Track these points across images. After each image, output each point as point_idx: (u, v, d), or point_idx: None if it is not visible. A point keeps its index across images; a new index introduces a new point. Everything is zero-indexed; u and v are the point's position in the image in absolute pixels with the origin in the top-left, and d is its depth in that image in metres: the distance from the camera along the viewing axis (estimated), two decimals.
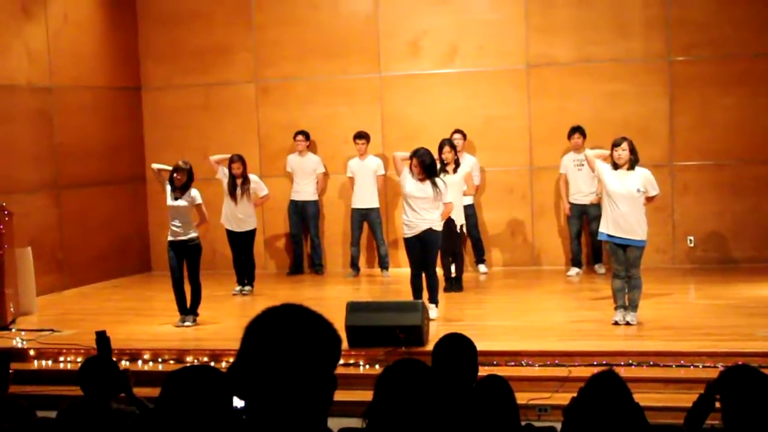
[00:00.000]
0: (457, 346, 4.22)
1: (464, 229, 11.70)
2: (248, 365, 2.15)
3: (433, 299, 9.92)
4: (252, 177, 12.10)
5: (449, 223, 11.16)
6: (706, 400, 4.48)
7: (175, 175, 10.25)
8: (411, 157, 9.81)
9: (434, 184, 9.71)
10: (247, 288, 12.12)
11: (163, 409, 3.33)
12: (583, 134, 12.59)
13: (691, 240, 12.99)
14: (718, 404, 4.04)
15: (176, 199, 10.21)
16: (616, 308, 9.37)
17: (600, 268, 12.71)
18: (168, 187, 10.29)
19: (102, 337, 5.88)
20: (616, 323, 9.28)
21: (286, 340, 2.14)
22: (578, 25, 13.10)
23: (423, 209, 9.73)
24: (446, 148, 11.24)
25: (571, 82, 13.15)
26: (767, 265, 12.48)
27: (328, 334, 2.21)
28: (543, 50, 13.21)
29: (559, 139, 13.01)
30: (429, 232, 9.79)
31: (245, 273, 12.18)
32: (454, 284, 11.67)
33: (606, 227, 9.31)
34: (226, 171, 11.98)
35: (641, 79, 12.97)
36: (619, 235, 9.20)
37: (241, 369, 2.16)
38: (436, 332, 8.97)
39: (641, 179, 9.24)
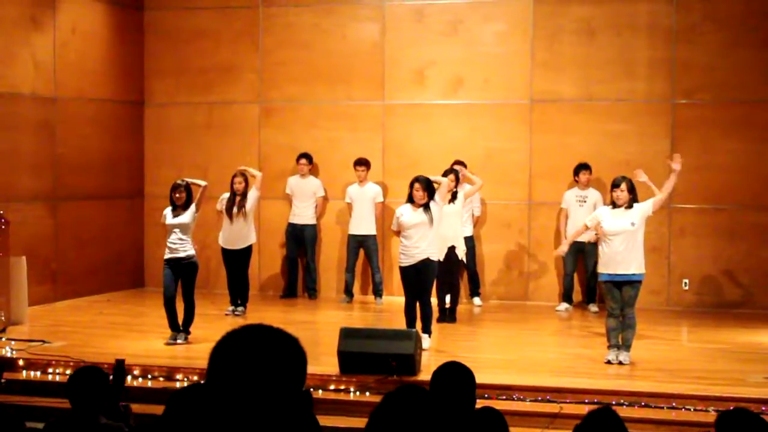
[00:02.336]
0: (457, 374, 4.20)
1: (465, 259, 11.71)
2: (217, 389, 2.14)
3: (427, 329, 9.89)
4: (250, 194, 12.00)
5: (450, 254, 11.19)
6: None
7: (175, 194, 10.25)
8: (411, 184, 9.87)
9: (427, 209, 9.76)
10: (240, 309, 12.06)
11: (167, 427, 3.30)
12: (591, 171, 12.64)
13: (686, 283, 12.98)
14: None
15: (177, 216, 10.20)
16: (609, 347, 9.36)
17: (593, 307, 12.70)
18: (168, 210, 10.28)
19: (120, 367, 5.82)
20: (608, 362, 9.26)
21: (252, 359, 2.13)
22: (583, 63, 13.15)
23: (421, 238, 9.74)
24: (450, 177, 11.26)
25: (573, 119, 13.19)
26: (761, 311, 12.47)
27: (293, 349, 2.20)
28: (547, 86, 13.26)
29: (559, 175, 13.04)
30: (426, 262, 9.79)
31: (239, 293, 12.12)
32: (448, 315, 11.65)
33: (605, 267, 9.35)
34: (224, 198, 11.90)
35: (644, 120, 13.01)
36: (618, 272, 9.22)
37: (211, 393, 2.15)
38: (428, 362, 8.95)
39: (636, 213, 9.29)
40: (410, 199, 9.87)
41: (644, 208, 9.37)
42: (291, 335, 2.23)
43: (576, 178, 12.76)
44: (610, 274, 9.30)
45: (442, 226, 10.22)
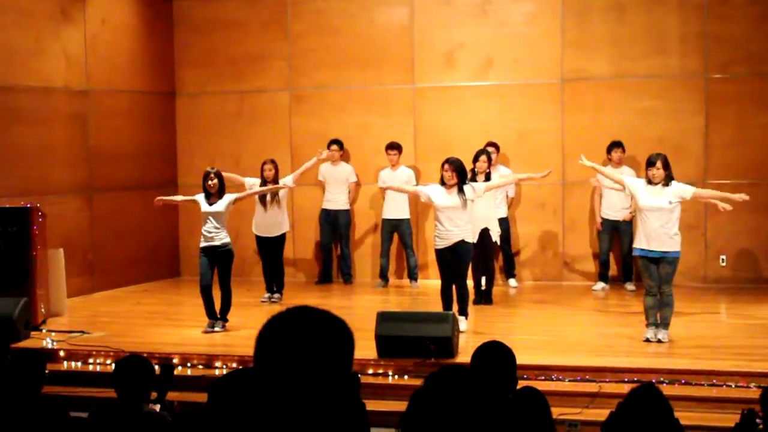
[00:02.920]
0: (498, 354, 4.19)
1: (498, 241, 11.70)
2: (264, 372, 2.13)
3: (463, 311, 9.88)
4: (284, 182, 12.02)
5: (484, 236, 11.17)
6: (747, 420, 4.42)
7: (207, 182, 10.28)
8: (443, 165, 9.84)
9: (461, 192, 9.72)
10: (276, 295, 12.11)
11: (213, 414, 3.31)
12: (624, 150, 12.55)
13: (723, 259, 12.87)
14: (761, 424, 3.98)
15: (211, 204, 10.23)
16: (647, 325, 9.31)
17: (630, 286, 12.62)
18: (201, 196, 10.31)
19: (167, 368, 5.86)
20: (647, 340, 9.21)
21: (299, 341, 2.12)
22: (614, 40, 13.04)
23: (455, 220, 9.71)
24: (482, 158, 11.22)
25: (605, 97, 13.09)
26: None
27: (340, 330, 2.19)
28: (578, 65, 13.16)
29: (592, 155, 12.85)
30: (461, 244, 9.77)
31: (274, 280, 12.17)
32: (484, 297, 11.63)
33: (639, 242, 9.28)
34: (251, 183, 11.90)
35: (677, 96, 12.88)
36: (653, 248, 9.14)
37: (258, 376, 2.15)
38: (465, 344, 8.95)
39: (673, 192, 9.20)
40: (443, 182, 9.85)
41: (684, 190, 9.26)
42: (337, 317, 2.22)
43: (609, 157, 12.67)
44: (643, 249, 9.23)
45: (475, 208, 10.19)
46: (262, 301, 12.03)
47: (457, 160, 9.88)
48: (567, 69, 13.20)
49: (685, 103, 12.86)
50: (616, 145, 12.60)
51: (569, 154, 13.22)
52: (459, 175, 9.77)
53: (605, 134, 12.80)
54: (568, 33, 13.20)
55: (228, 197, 10.29)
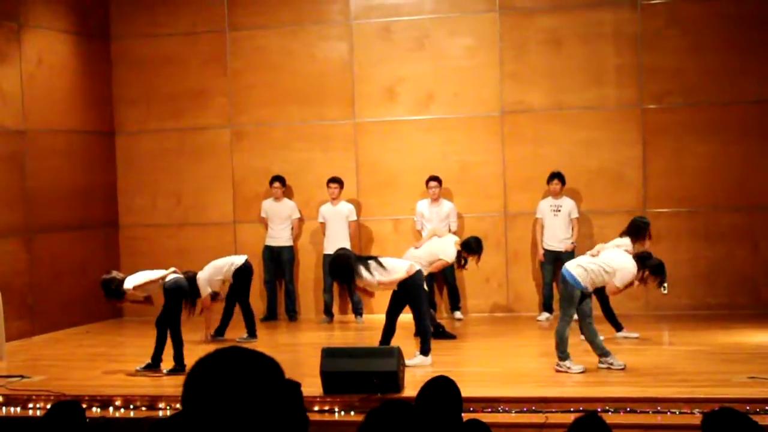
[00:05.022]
0: (443, 389, 4.18)
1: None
2: (193, 416, 2.09)
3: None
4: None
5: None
6: None
7: None
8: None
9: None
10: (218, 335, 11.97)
11: None
12: (563, 181, 12.68)
13: (664, 286, 13.00)
14: None
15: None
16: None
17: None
18: None
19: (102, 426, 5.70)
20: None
21: (224, 383, 2.08)
22: (552, 73, 13.21)
23: None
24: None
25: (545, 128, 13.23)
26: (741, 311, 12.52)
27: (269, 368, 2.14)
28: (517, 97, 13.30)
29: (533, 186, 13.07)
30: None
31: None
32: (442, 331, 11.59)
33: None
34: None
35: (614, 127, 13.07)
36: None
37: (187, 421, 2.10)
38: (412, 378, 8.90)
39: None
40: None
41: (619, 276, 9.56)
42: (267, 356, 2.18)
43: (549, 188, 12.80)
44: None
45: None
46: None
47: (334, 271, 10.00)
48: (506, 101, 13.34)
49: (623, 133, 13.05)
50: (555, 176, 12.73)
51: (510, 185, 13.33)
52: (341, 280, 10.03)
53: (545, 165, 12.94)
54: (506, 66, 13.34)
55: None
